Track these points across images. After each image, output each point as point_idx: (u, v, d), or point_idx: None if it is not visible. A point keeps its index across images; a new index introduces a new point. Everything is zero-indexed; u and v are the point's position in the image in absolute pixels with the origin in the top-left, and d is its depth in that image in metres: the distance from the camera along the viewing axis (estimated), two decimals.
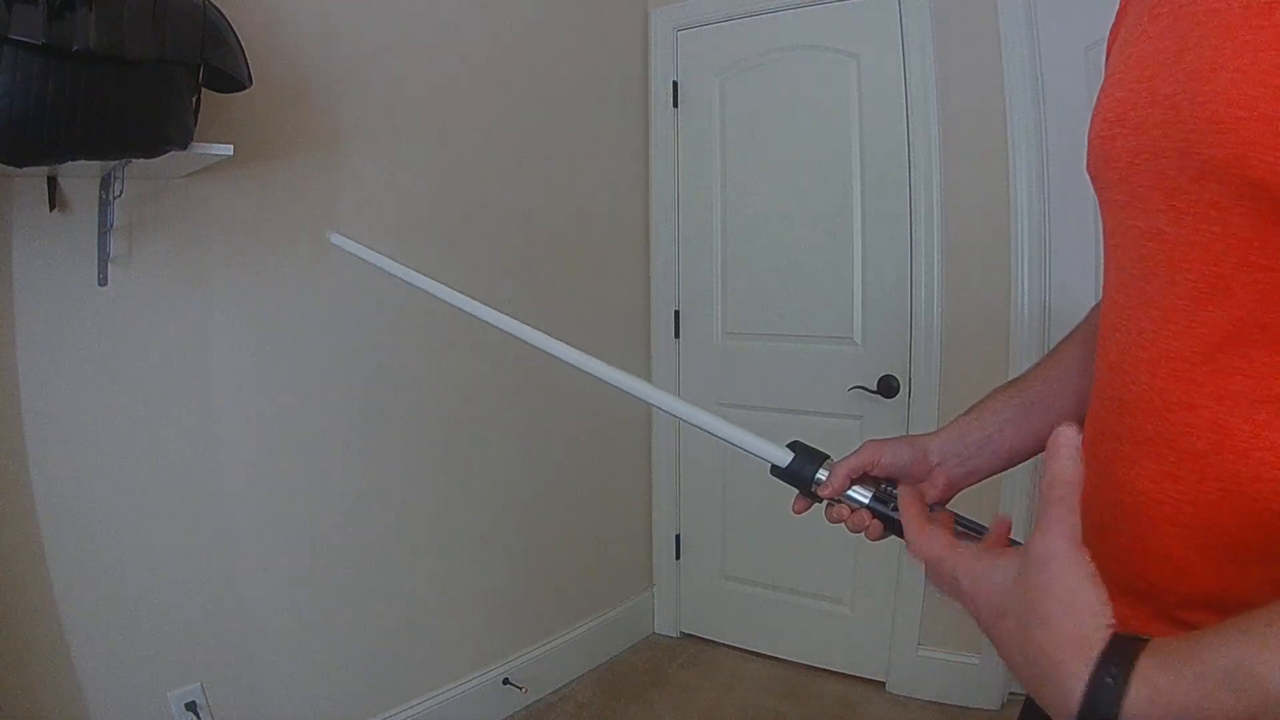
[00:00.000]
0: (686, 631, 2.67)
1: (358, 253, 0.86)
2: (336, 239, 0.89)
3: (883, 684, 2.30)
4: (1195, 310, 0.48)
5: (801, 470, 0.68)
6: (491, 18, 2.04)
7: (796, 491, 0.70)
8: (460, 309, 0.77)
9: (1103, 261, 0.60)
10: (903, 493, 0.66)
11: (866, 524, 0.67)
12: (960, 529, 0.64)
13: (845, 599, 2.36)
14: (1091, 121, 0.59)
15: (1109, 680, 0.40)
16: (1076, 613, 0.42)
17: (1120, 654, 0.41)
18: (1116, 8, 0.64)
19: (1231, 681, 0.37)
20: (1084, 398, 0.71)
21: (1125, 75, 0.54)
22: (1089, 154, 0.59)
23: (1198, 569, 0.49)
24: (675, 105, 2.52)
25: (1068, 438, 0.44)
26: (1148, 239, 0.51)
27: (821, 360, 2.31)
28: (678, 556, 2.66)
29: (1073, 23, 1.94)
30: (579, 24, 2.31)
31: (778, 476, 0.70)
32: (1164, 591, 0.52)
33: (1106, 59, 0.64)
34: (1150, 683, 0.39)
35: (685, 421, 0.71)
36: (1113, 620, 0.42)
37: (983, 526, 0.64)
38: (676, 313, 2.57)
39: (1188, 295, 0.48)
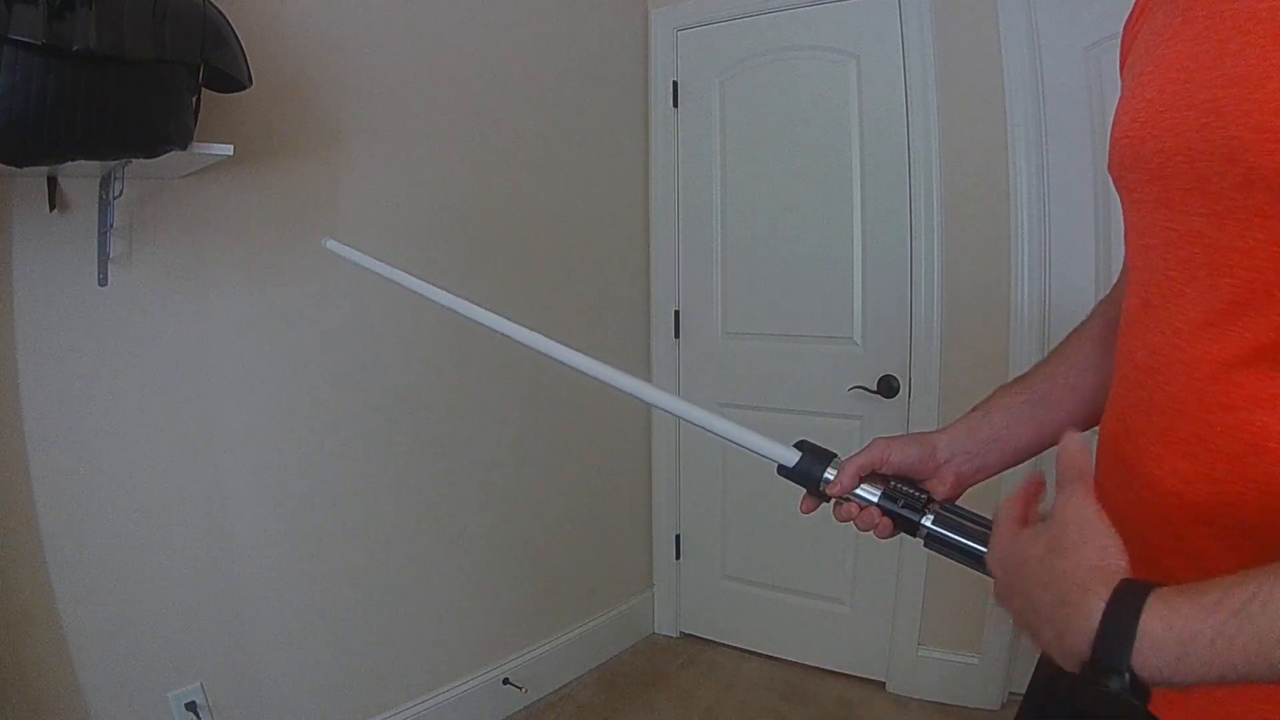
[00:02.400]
0: (686, 631, 2.67)
1: (353, 258, 0.86)
2: (331, 245, 0.89)
3: (883, 684, 2.30)
4: (1238, 314, 0.48)
5: (809, 469, 0.68)
6: (491, 18, 2.04)
7: (803, 491, 0.70)
8: (458, 313, 0.77)
9: (1127, 260, 0.60)
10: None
11: (875, 522, 0.67)
12: (966, 522, 0.64)
13: (845, 599, 2.36)
14: (1116, 119, 0.58)
15: (1128, 599, 0.42)
16: (1096, 542, 0.45)
17: (1140, 584, 0.43)
18: (1119, 6, 0.63)
19: (1246, 616, 0.38)
20: (1091, 394, 0.71)
21: (1156, 75, 0.54)
22: (1113, 152, 0.59)
23: (1226, 569, 0.50)
24: (675, 105, 2.52)
25: (1074, 436, 0.49)
26: (1187, 241, 0.51)
27: (821, 360, 2.31)
28: (678, 556, 2.65)
29: (1072, 23, 1.94)
30: (579, 24, 2.31)
31: (786, 476, 0.70)
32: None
33: (1122, 56, 0.64)
34: (1168, 603, 0.41)
35: (697, 426, 0.71)
36: (1127, 559, 0.44)
37: (986, 519, 0.64)
38: (676, 313, 2.57)
39: (1230, 300, 0.48)
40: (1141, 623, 0.41)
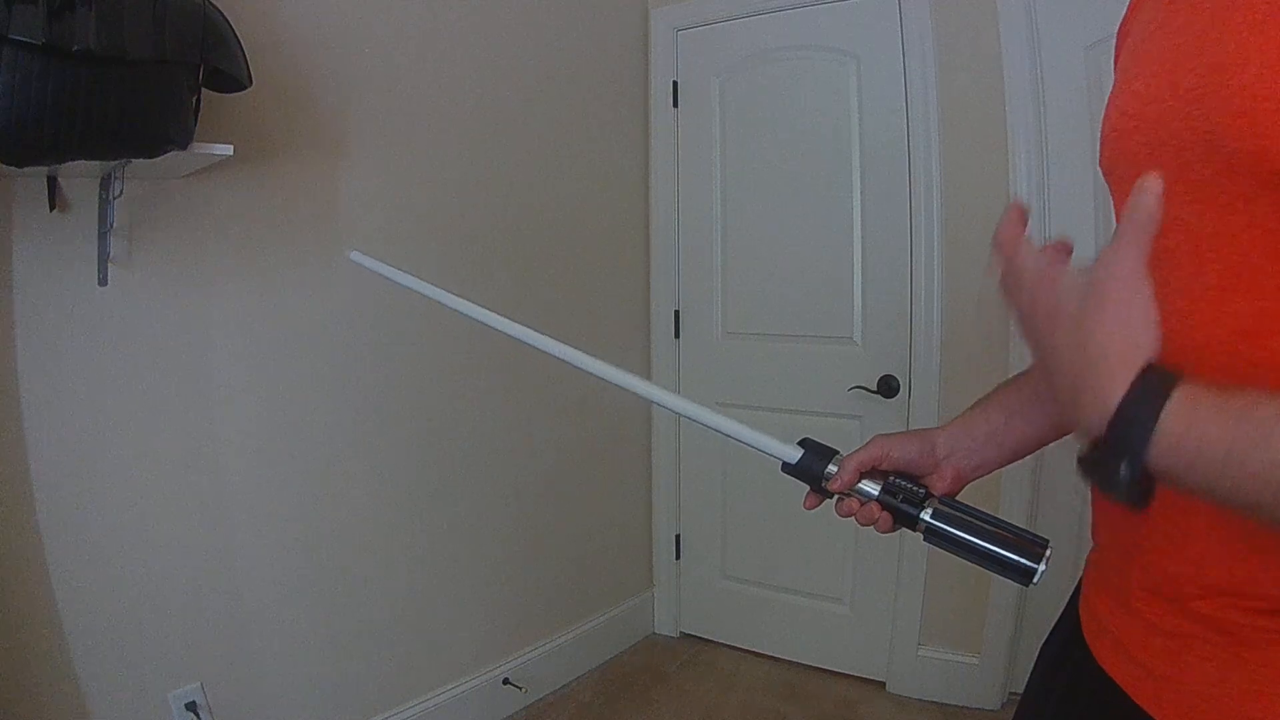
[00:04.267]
0: (686, 631, 2.67)
1: (379, 270, 0.87)
2: (356, 256, 0.90)
3: (883, 684, 2.30)
4: (1223, 300, 0.48)
5: (811, 466, 0.69)
6: (491, 18, 2.04)
7: (804, 489, 0.71)
8: (483, 323, 0.78)
9: None
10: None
11: (875, 517, 0.68)
12: (965, 517, 0.65)
13: (845, 599, 2.36)
14: (1106, 115, 0.59)
15: (1153, 389, 0.40)
16: (1133, 316, 0.43)
17: (1168, 370, 0.41)
18: (1119, 6, 0.64)
19: (1268, 432, 0.37)
20: None
21: (1143, 69, 0.54)
22: (1103, 147, 0.59)
23: (1218, 560, 0.50)
24: (675, 105, 2.52)
25: (1156, 181, 0.43)
26: (1170, 230, 0.51)
27: (821, 360, 2.31)
28: (678, 556, 2.66)
29: (1073, 23, 1.94)
30: (579, 24, 2.31)
31: (788, 473, 0.70)
32: (1184, 582, 0.52)
33: (1116, 55, 0.64)
34: (1194, 404, 0.39)
35: (706, 426, 0.71)
36: (1159, 341, 0.42)
37: (985, 514, 0.65)
38: (676, 313, 2.57)
39: (1214, 285, 0.49)
40: (1162, 418, 0.39)
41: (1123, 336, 0.42)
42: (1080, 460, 0.45)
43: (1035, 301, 0.48)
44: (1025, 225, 0.52)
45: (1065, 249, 0.54)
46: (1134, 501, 0.42)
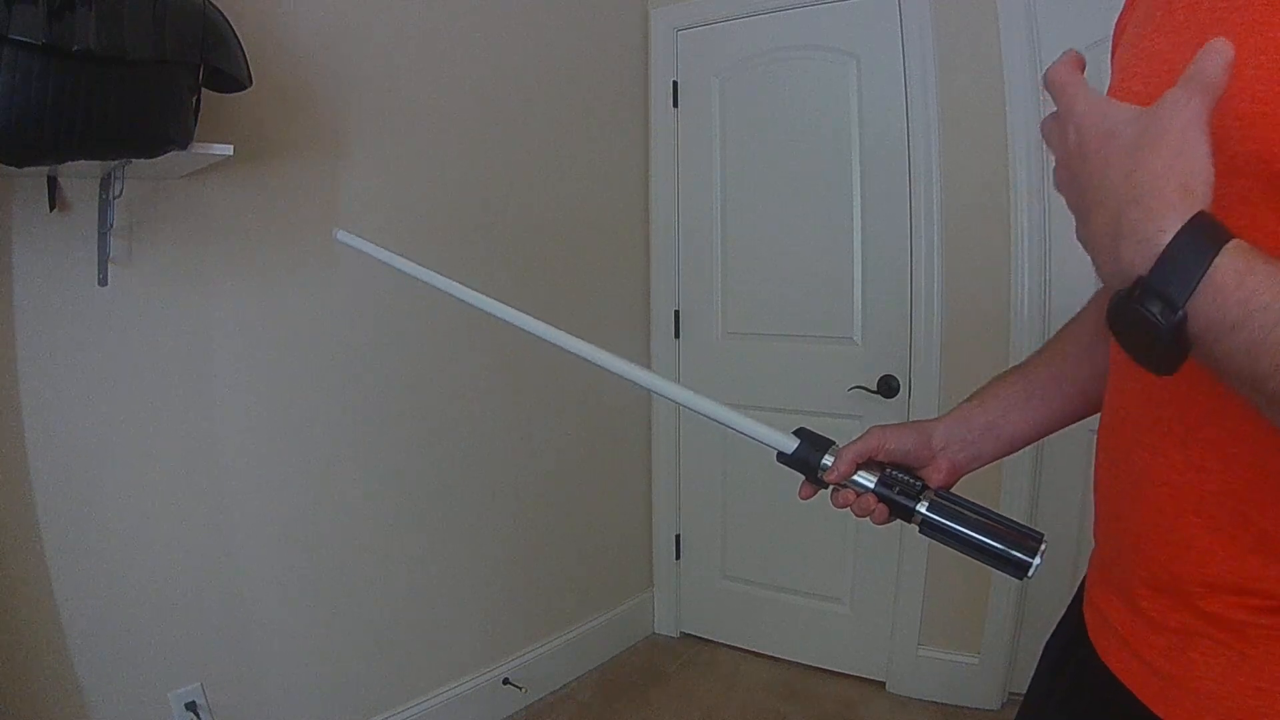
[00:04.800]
0: (686, 631, 2.67)
1: (363, 248, 0.87)
2: (341, 235, 0.90)
3: (883, 684, 2.30)
4: None
5: (807, 457, 0.69)
6: (491, 17, 2.04)
7: (801, 481, 0.71)
8: (466, 302, 0.78)
9: None
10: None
11: (872, 508, 0.68)
12: (961, 509, 0.65)
13: (845, 599, 2.36)
14: None
15: (1208, 233, 0.37)
16: (1191, 157, 0.39)
17: (1220, 223, 0.38)
18: (1119, 6, 0.64)
19: None
20: (1085, 384, 0.71)
21: (1141, 69, 0.54)
22: None
23: (1220, 559, 0.50)
24: (675, 105, 2.52)
25: (1225, 45, 0.40)
26: None
27: (821, 360, 2.31)
28: (678, 556, 2.65)
29: (1073, 23, 1.94)
30: (579, 24, 2.31)
31: (784, 463, 0.71)
32: (1187, 581, 0.52)
33: (1113, 53, 0.64)
34: (1248, 258, 0.37)
35: (700, 414, 0.71)
36: (1213, 193, 0.39)
37: (981, 507, 0.65)
38: (676, 313, 2.57)
39: None
40: (1215, 263, 0.37)
41: (1180, 172, 0.39)
42: (1111, 307, 0.41)
43: (1085, 130, 0.44)
44: (1083, 70, 0.47)
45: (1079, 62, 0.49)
46: (1164, 358, 0.39)
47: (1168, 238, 0.38)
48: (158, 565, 1.50)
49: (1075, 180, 0.46)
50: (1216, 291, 0.37)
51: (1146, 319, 0.38)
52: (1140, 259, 0.39)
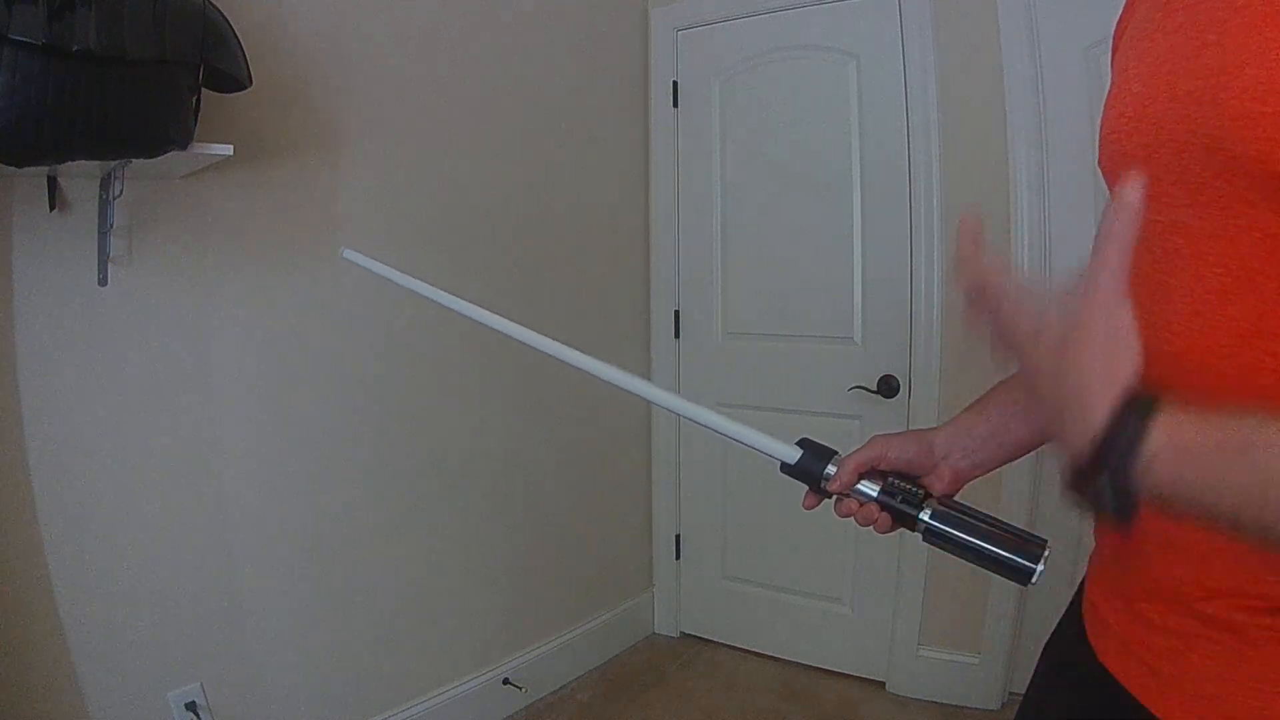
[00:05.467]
0: (686, 631, 2.67)
1: (370, 267, 0.87)
2: (348, 254, 0.90)
3: (883, 684, 2.30)
4: (1223, 304, 0.48)
5: (810, 466, 0.69)
6: (491, 18, 2.04)
7: (803, 489, 0.71)
8: (477, 320, 0.78)
9: None
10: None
11: (874, 517, 0.68)
12: (963, 517, 0.65)
13: (845, 599, 2.36)
14: (1104, 116, 0.59)
15: (1136, 408, 0.41)
16: (1114, 343, 0.43)
17: (1149, 396, 0.41)
18: (1119, 6, 0.64)
19: (1248, 448, 0.38)
20: None
21: (1140, 70, 0.54)
22: (1101, 149, 0.59)
23: (1219, 563, 0.50)
24: (675, 105, 2.52)
25: (1137, 186, 0.42)
26: (1171, 233, 0.51)
27: (821, 360, 2.31)
28: (678, 556, 2.65)
29: (1073, 23, 1.94)
30: (579, 24, 2.31)
31: (787, 474, 0.70)
32: (1185, 585, 0.52)
33: (1113, 55, 0.64)
34: (1175, 419, 0.40)
35: (705, 426, 0.71)
36: (1141, 361, 0.43)
37: (983, 514, 0.65)
38: (676, 313, 2.57)
39: (1215, 289, 0.48)
40: (1146, 440, 0.40)
41: (1105, 364, 0.43)
42: (1064, 482, 0.45)
43: (1010, 326, 0.48)
44: (982, 241, 0.51)
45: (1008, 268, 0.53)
46: (1120, 519, 0.43)
47: (1101, 420, 0.42)
48: (157, 565, 1.50)
49: (1013, 360, 0.50)
50: (1153, 451, 0.41)
51: (1095, 492, 0.43)
52: (1081, 440, 0.43)
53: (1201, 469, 0.39)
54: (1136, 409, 0.41)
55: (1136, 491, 0.41)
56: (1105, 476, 0.42)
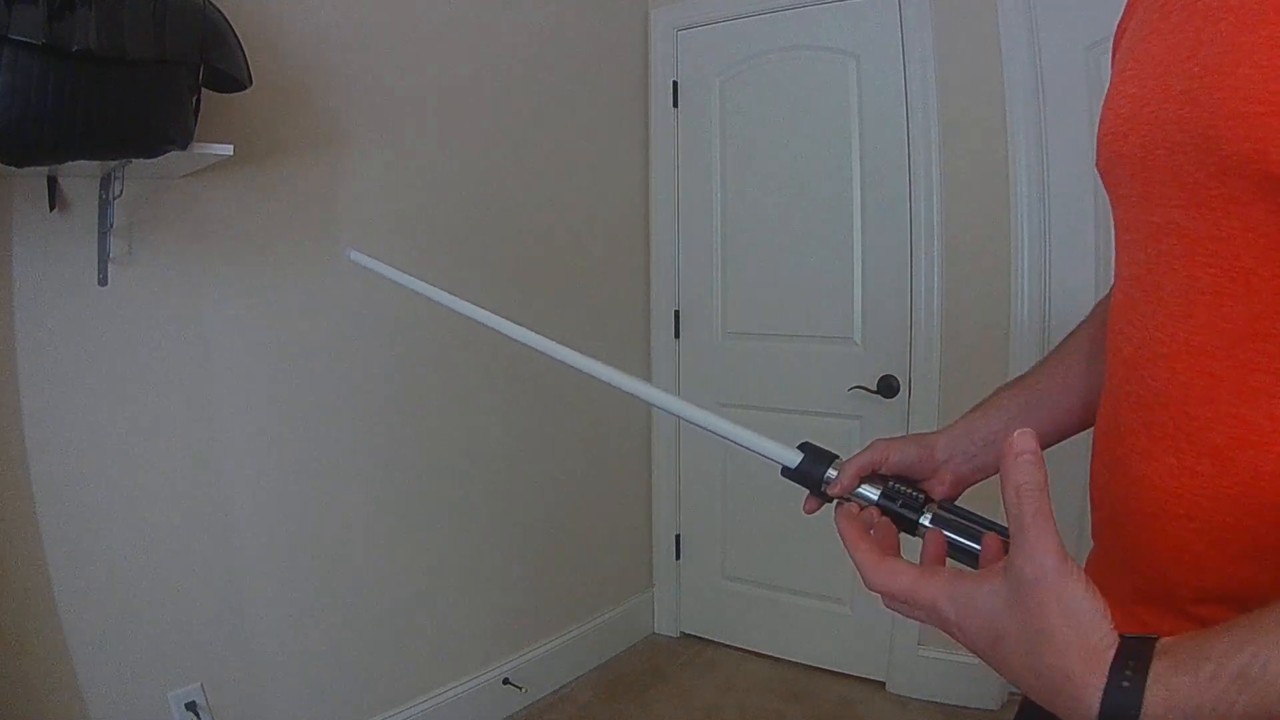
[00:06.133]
0: (686, 631, 2.67)
1: (377, 269, 0.87)
2: (354, 255, 0.90)
3: (883, 684, 2.30)
4: (1217, 304, 0.48)
5: (811, 470, 0.69)
6: (492, 18, 2.04)
7: (804, 492, 0.71)
8: (482, 323, 0.78)
9: (1115, 257, 0.60)
10: (838, 515, 0.63)
11: (875, 521, 0.68)
12: (964, 521, 0.64)
13: (845, 599, 2.36)
14: (1102, 118, 0.59)
15: (1125, 684, 0.40)
16: (1080, 626, 0.42)
17: (1133, 657, 0.40)
18: (1119, 6, 0.64)
19: (1245, 680, 0.37)
20: (1088, 393, 0.71)
21: (1138, 71, 0.54)
22: (1099, 151, 0.59)
23: (1213, 565, 0.49)
24: (675, 105, 2.52)
25: (1023, 443, 0.42)
26: (1165, 233, 0.51)
27: (821, 360, 2.31)
28: (678, 556, 2.65)
29: (1073, 23, 1.94)
30: (579, 24, 2.31)
31: (788, 477, 0.70)
32: (1179, 587, 0.52)
33: (1113, 56, 0.64)
34: (1166, 684, 0.39)
35: (703, 428, 0.71)
36: (1114, 626, 0.42)
37: (984, 518, 0.65)
38: (676, 313, 2.57)
39: (1209, 289, 0.48)
40: (1144, 705, 0.39)
41: (1078, 643, 0.41)
42: None
43: (967, 630, 0.46)
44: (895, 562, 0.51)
45: (996, 546, 0.53)
46: None
47: (1098, 704, 0.40)
48: (158, 565, 1.50)
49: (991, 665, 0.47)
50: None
51: None
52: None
53: (1204, 710, 0.38)
54: (1126, 692, 0.40)
55: None
56: None
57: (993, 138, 2.04)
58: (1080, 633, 0.41)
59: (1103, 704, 0.40)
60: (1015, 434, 0.43)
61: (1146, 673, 0.40)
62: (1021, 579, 0.43)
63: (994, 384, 0.79)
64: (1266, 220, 0.44)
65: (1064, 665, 0.42)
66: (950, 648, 2.20)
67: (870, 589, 0.52)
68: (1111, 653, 0.41)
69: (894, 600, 0.51)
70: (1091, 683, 0.41)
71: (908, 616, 0.51)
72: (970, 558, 0.63)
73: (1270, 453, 0.46)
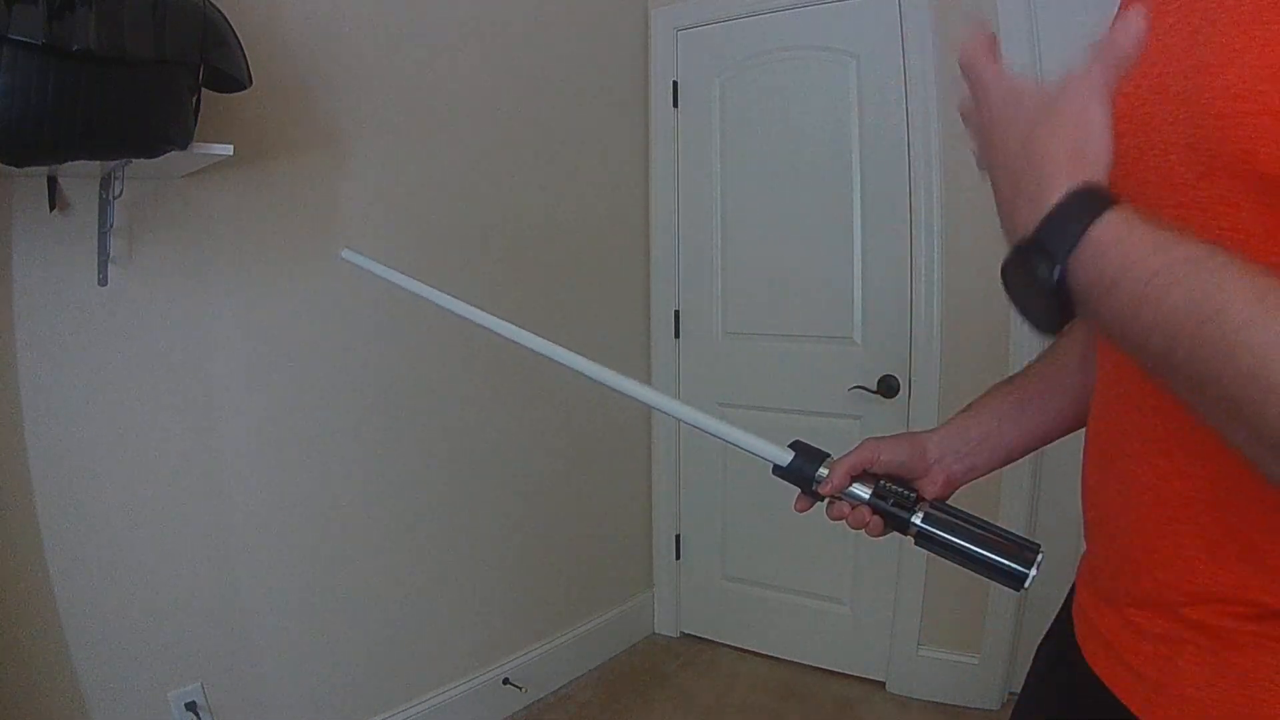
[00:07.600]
0: (686, 631, 2.67)
1: (370, 268, 0.87)
2: (347, 254, 0.90)
3: (883, 684, 2.30)
4: None
5: (802, 469, 0.69)
6: (492, 18, 2.04)
7: (797, 491, 0.71)
8: (474, 322, 0.78)
9: None
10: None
11: (866, 520, 0.68)
12: (956, 521, 0.65)
13: (845, 599, 2.36)
14: None
15: (1091, 198, 0.40)
16: (1085, 129, 0.42)
17: (1105, 189, 0.41)
18: (1118, 6, 0.64)
19: (1197, 262, 0.37)
20: (1080, 394, 0.71)
21: (1134, 71, 0.54)
22: None
23: (1204, 567, 0.49)
24: (675, 105, 2.52)
25: (1139, 17, 0.42)
26: None
27: (821, 360, 2.31)
28: (678, 556, 2.66)
29: (1073, 22, 1.94)
30: (579, 24, 2.31)
31: (779, 476, 0.71)
32: (1170, 589, 0.52)
33: None
34: (1128, 221, 0.39)
35: (692, 426, 0.71)
36: (1109, 159, 0.42)
37: (975, 518, 0.65)
38: (676, 313, 2.57)
39: None
40: (1093, 226, 0.39)
41: (1072, 145, 0.42)
42: (1004, 264, 0.45)
43: (993, 102, 0.47)
44: (996, 51, 0.50)
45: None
46: (1048, 314, 0.42)
47: (1055, 199, 0.41)
48: (158, 565, 1.50)
49: (986, 150, 0.49)
50: (1096, 250, 0.39)
51: (1031, 274, 0.42)
52: (1030, 219, 0.42)
53: (1141, 275, 0.38)
54: (1092, 196, 0.40)
55: (1072, 284, 0.40)
56: (1044, 256, 0.40)
57: None
58: (1080, 138, 0.42)
59: (1060, 202, 0.40)
60: (1132, 15, 0.42)
61: (1117, 200, 0.40)
62: (1066, 80, 0.43)
63: (993, 383, 0.79)
64: (1257, 220, 0.44)
65: (1051, 152, 0.42)
66: (950, 648, 2.20)
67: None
68: (1094, 174, 0.41)
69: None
70: (1064, 177, 0.41)
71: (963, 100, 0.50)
72: (963, 558, 0.64)
73: None
